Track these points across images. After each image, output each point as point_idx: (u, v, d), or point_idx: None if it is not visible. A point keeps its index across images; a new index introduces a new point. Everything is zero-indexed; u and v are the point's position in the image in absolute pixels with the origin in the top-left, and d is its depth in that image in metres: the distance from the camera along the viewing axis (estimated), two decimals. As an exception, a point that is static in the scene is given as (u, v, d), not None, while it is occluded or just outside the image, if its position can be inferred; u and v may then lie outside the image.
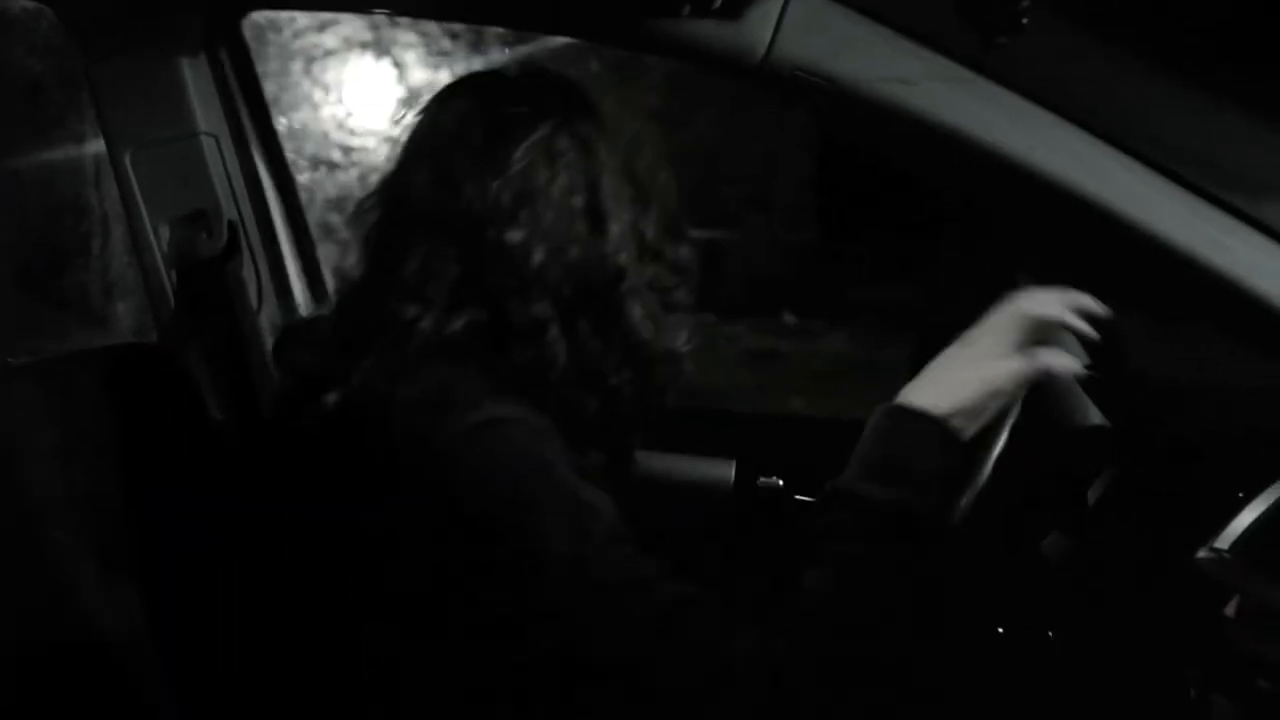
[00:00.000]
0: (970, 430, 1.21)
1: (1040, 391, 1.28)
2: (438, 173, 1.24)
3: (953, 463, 1.21)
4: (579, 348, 1.23)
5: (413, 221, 1.24)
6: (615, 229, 1.24)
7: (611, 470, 1.29)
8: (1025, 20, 1.29)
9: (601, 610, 1.10)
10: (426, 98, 1.32)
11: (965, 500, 1.30)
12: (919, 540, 1.18)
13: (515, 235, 1.20)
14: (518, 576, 1.12)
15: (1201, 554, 1.31)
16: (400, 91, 5.66)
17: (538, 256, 1.20)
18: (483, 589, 1.14)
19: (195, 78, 1.73)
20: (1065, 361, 1.21)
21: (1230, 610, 1.26)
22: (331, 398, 1.21)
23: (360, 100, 5.57)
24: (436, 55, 5.73)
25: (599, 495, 1.15)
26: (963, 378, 1.20)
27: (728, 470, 1.93)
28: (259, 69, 1.82)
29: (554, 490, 1.13)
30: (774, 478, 1.92)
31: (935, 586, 1.27)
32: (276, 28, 5.21)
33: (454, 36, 5.74)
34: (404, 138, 1.31)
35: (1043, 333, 1.22)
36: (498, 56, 5.41)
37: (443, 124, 1.28)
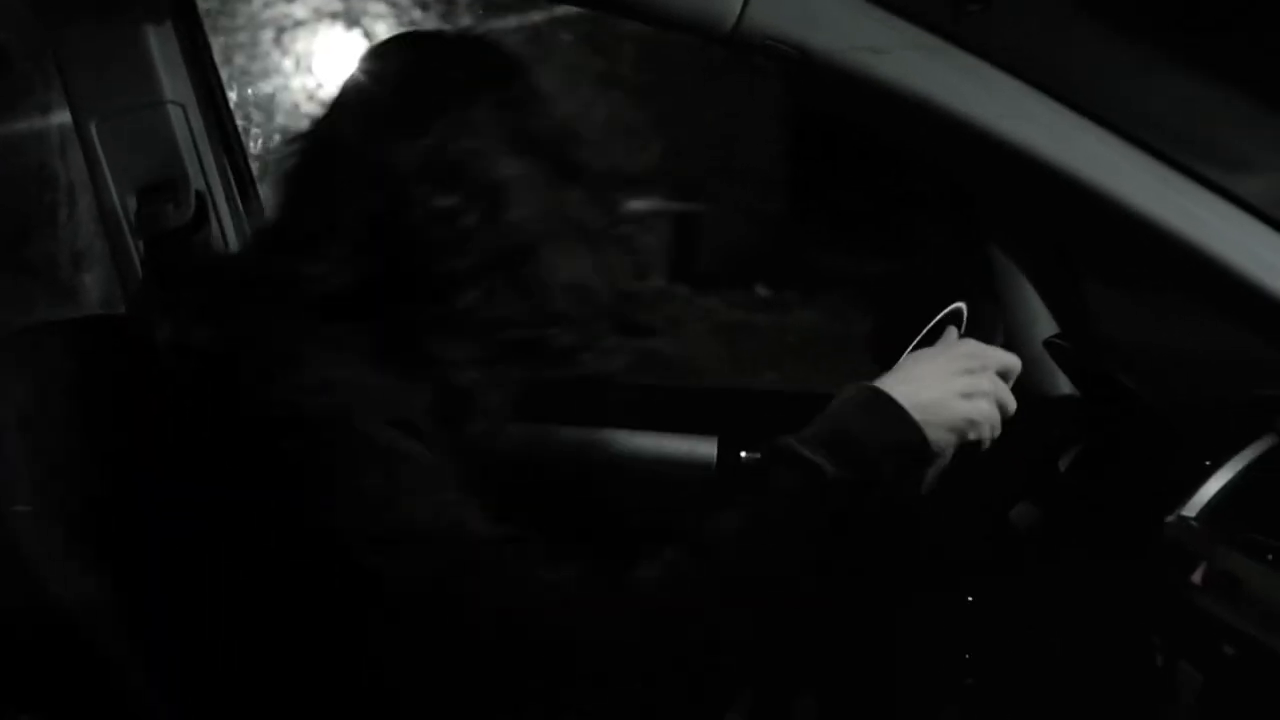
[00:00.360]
0: (943, 447, 1.22)
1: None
2: (367, 126, 1.22)
3: (912, 462, 1.22)
4: (508, 301, 1.21)
5: (330, 171, 1.22)
6: (550, 187, 1.23)
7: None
8: (997, -12, 1.29)
9: (417, 556, 1.09)
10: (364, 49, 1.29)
11: (930, 476, 1.31)
12: (846, 520, 1.17)
13: (444, 197, 1.18)
14: (338, 530, 1.10)
15: (1169, 522, 1.32)
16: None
17: (468, 219, 1.18)
18: (311, 551, 1.12)
19: (161, 45, 1.71)
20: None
21: (1197, 578, 1.27)
22: (201, 345, 1.19)
23: (330, 71, 5.52)
24: (408, 26, 5.67)
25: (416, 447, 1.13)
26: (942, 399, 1.21)
27: (710, 447, 1.93)
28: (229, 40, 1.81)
29: (367, 447, 1.12)
30: (757, 454, 1.92)
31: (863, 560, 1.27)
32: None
33: (424, 7, 5.69)
34: (338, 87, 1.28)
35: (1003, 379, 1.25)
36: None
37: (378, 79, 1.26)
